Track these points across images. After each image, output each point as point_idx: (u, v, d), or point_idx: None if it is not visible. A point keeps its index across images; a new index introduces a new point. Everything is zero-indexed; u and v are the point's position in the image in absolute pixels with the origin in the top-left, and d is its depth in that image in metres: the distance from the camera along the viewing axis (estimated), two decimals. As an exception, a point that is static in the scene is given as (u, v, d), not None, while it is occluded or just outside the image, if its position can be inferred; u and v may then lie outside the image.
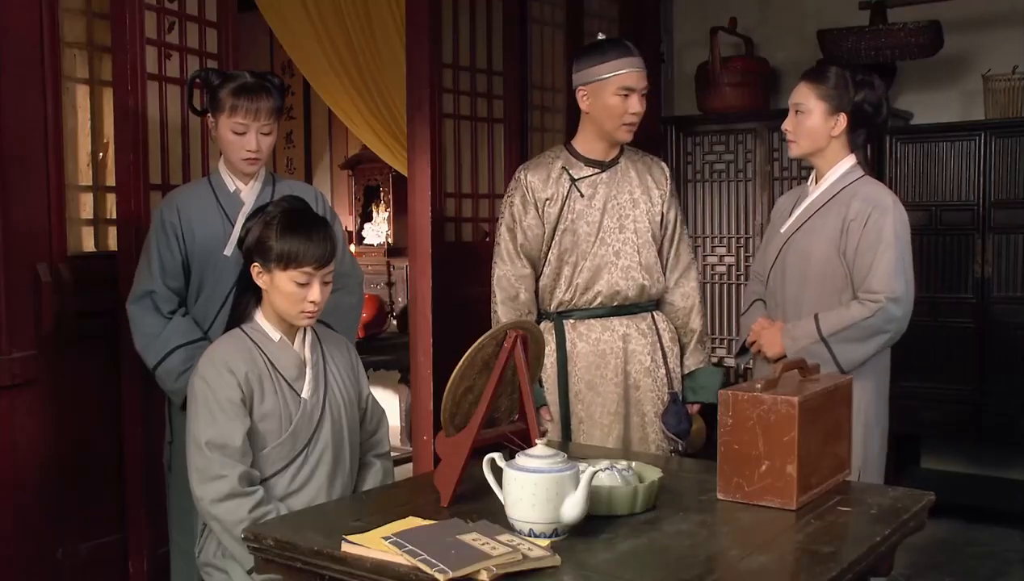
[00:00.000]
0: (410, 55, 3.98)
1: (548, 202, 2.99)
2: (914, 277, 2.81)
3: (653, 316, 3.05)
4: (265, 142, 2.82)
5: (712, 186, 5.15)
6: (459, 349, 2.11)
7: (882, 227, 2.75)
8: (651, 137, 5.25)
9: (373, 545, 1.76)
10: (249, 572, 2.22)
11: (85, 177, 3.21)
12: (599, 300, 2.98)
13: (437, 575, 1.62)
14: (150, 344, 2.80)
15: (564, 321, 3.00)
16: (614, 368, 2.98)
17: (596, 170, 3.01)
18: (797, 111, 2.91)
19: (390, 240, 6.93)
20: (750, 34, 5.37)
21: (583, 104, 2.97)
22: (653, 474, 2.09)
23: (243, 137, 2.79)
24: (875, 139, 4.72)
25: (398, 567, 1.70)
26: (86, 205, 3.22)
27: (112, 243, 3.24)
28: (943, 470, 4.92)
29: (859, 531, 1.95)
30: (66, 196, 3.09)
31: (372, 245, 7.03)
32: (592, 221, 2.98)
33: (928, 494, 2.22)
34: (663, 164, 3.16)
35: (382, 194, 7.06)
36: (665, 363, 3.01)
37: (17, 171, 2.88)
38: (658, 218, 3.04)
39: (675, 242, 3.08)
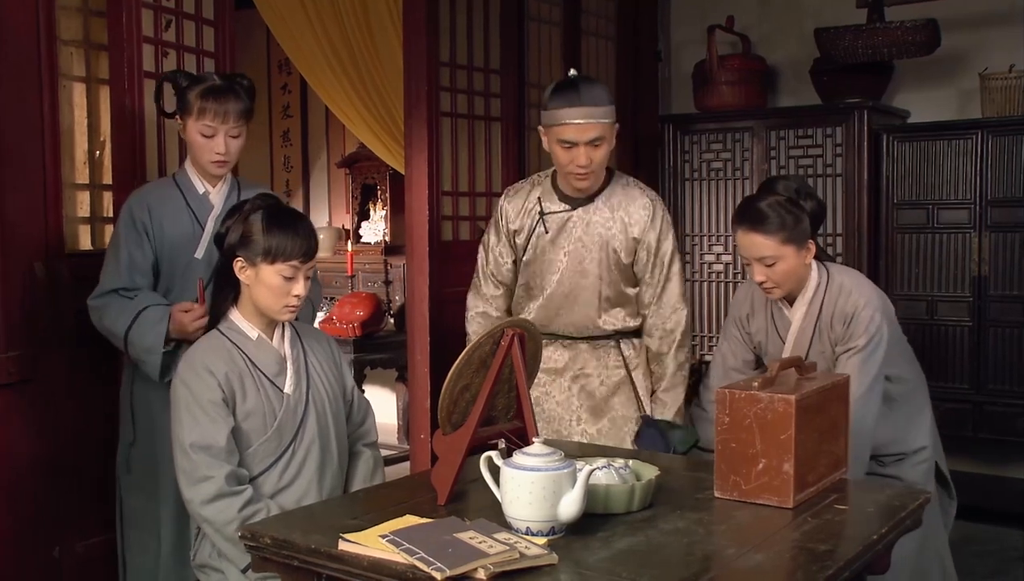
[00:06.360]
0: (407, 53, 3.97)
1: (516, 233, 2.96)
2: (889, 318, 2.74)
3: (619, 343, 3.00)
4: (234, 145, 2.83)
5: (709, 184, 5.15)
6: (456, 347, 2.11)
7: (852, 333, 2.68)
8: (649, 136, 5.26)
9: (370, 543, 1.76)
10: (243, 571, 2.22)
11: (82, 175, 3.21)
12: (558, 333, 2.99)
13: (434, 573, 1.62)
14: (119, 317, 2.72)
15: None
16: (559, 386, 3.00)
17: (567, 207, 2.91)
18: (766, 264, 2.68)
19: (387, 238, 6.92)
20: (747, 32, 5.37)
21: (544, 144, 2.88)
22: (650, 472, 2.09)
23: (211, 140, 2.79)
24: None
25: (395, 565, 1.70)
26: (83, 203, 3.21)
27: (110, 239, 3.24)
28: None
29: (856, 529, 1.96)
30: (63, 194, 3.07)
31: (369, 243, 7.02)
32: (553, 260, 2.92)
33: (925, 492, 2.22)
34: (650, 198, 2.95)
35: (379, 192, 7.05)
36: (632, 386, 2.98)
37: (13, 169, 2.88)
38: (630, 258, 2.92)
39: (656, 277, 2.94)
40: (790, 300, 2.80)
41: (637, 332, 3.02)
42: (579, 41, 4.96)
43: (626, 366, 2.99)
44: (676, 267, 2.96)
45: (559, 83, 2.83)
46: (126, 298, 2.77)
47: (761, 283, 2.73)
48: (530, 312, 2.98)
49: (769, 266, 2.68)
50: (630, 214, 2.89)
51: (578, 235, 2.89)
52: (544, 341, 2.95)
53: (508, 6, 4.43)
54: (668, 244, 2.94)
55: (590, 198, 2.90)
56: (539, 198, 2.94)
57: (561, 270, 2.91)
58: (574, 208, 2.90)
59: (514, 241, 2.98)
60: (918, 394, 2.90)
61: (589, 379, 2.99)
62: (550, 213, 2.90)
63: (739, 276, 5.05)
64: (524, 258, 2.96)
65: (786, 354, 2.78)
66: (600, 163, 2.81)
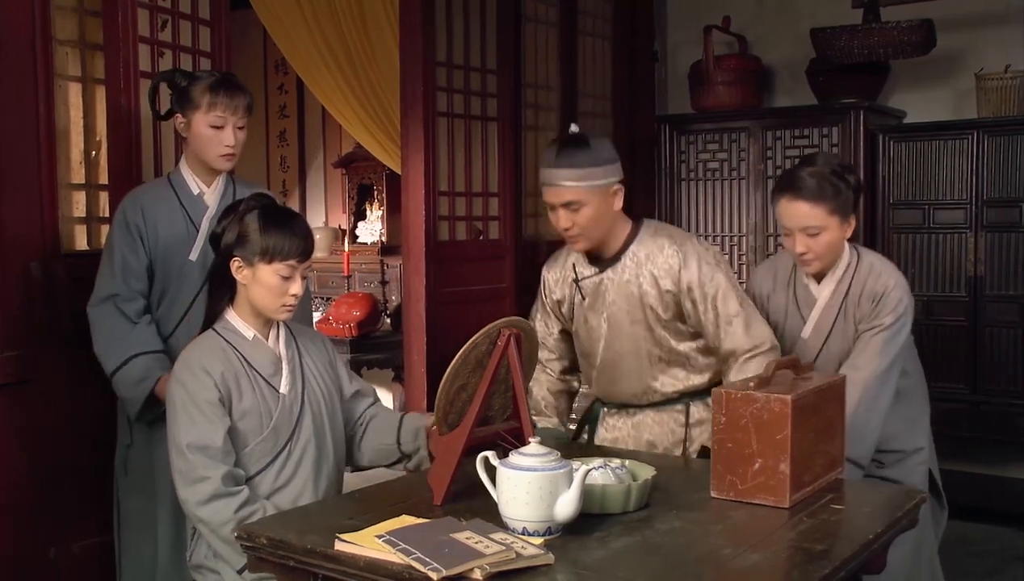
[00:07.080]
0: (404, 53, 3.98)
1: (560, 304, 2.80)
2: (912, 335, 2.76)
3: (688, 407, 2.73)
4: (240, 137, 2.83)
5: (706, 185, 5.16)
6: (453, 347, 2.11)
7: (880, 311, 2.68)
8: (645, 136, 5.27)
9: (366, 543, 1.76)
10: (239, 572, 2.22)
11: (78, 175, 3.20)
12: (621, 403, 2.79)
13: (430, 573, 1.62)
14: (110, 348, 2.74)
15: (601, 408, 2.86)
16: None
17: (596, 270, 2.70)
18: (810, 234, 2.64)
19: (384, 238, 6.93)
20: (744, 33, 5.37)
21: None
22: (646, 472, 2.09)
23: (221, 132, 2.79)
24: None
25: (391, 565, 1.70)
26: (79, 203, 3.20)
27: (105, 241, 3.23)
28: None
29: (852, 529, 1.96)
30: (59, 194, 3.07)
31: (366, 243, 7.03)
32: (595, 327, 2.72)
33: (921, 492, 2.23)
34: (678, 244, 2.63)
35: (376, 192, 7.06)
36: (683, 454, 2.72)
37: (9, 169, 2.88)
38: (669, 313, 2.64)
39: (714, 320, 2.61)
40: (818, 277, 2.78)
41: (709, 391, 2.65)
42: (575, 41, 4.96)
43: (686, 434, 2.72)
44: (733, 305, 2.60)
45: (554, 139, 2.66)
46: (122, 319, 2.75)
47: (801, 254, 2.68)
48: (592, 382, 2.82)
49: (812, 236, 2.65)
50: (658, 266, 2.63)
51: (612, 298, 2.68)
52: (613, 410, 2.81)
53: (504, 6, 4.43)
54: (714, 284, 2.60)
55: (616, 257, 2.67)
56: (573, 264, 2.74)
57: (604, 337, 2.71)
58: (603, 270, 2.69)
59: (560, 311, 2.82)
60: (920, 392, 2.90)
61: (654, 449, 2.74)
62: (583, 279, 2.73)
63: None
64: (574, 328, 2.80)
65: (807, 332, 2.77)
66: (587, 226, 2.56)
